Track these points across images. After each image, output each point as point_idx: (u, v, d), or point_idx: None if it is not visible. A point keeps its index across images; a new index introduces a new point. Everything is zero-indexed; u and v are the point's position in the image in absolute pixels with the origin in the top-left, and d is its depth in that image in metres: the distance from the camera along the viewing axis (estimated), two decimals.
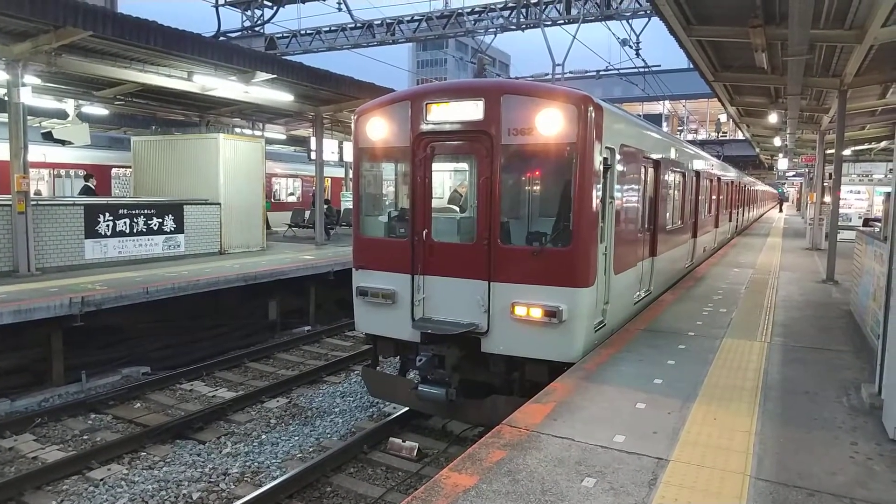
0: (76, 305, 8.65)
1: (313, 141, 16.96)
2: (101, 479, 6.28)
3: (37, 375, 8.82)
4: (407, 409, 7.63)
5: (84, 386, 8.88)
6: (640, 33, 20.80)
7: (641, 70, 22.91)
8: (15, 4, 8.39)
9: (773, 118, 16.82)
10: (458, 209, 8.18)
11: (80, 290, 9.23)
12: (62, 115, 14.89)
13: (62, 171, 18.31)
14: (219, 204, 14.25)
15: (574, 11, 20.13)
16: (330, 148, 18.56)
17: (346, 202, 21.91)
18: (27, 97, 10.24)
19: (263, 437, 7.43)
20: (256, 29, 24.03)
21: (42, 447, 7.07)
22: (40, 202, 11.42)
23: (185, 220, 13.42)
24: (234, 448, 7.10)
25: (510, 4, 21.47)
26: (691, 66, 11.67)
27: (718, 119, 46.35)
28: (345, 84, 14.14)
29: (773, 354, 6.51)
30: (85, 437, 7.40)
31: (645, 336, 7.16)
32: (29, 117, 10.87)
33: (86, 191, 15.52)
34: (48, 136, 14.89)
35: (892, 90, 11.69)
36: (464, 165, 8.35)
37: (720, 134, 46.45)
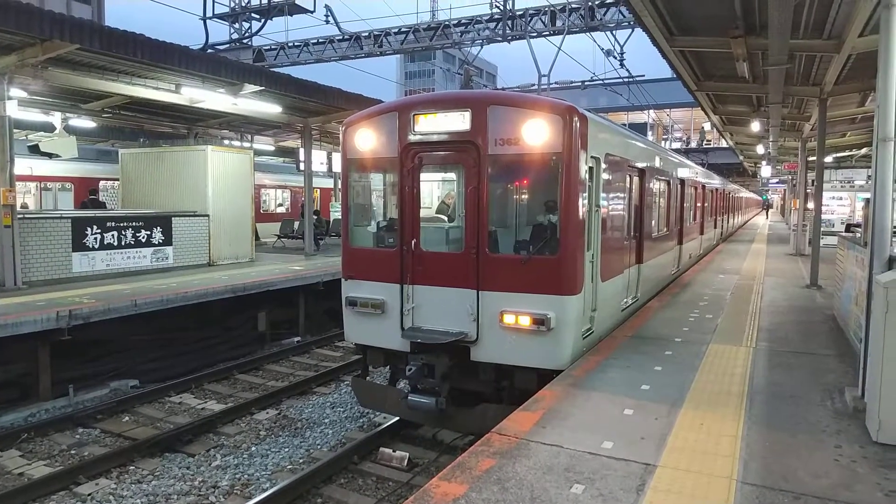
0: (63, 319, 8.58)
1: (302, 152, 16.97)
2: (89, 494, 6.23)
3: (23, 390, 8.72)
4: (397, 418, 7.63)
5: (72, 400, 8.81)
6: (624, 44, 21.08)
7: (626, 80, 23.19)
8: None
9: (755, 126, 17.05)
10: (446, 219, 8.24)
11: (67, 303, 9.16)
12: (49, 127, 14.81)
13: (49, 185, 18.20)
14: (207, 216, 14.20)
15: (559, 23, 20.37)
16: (319, 159, 18.59)
17: (335, 213, 21.91)
18: (13, 110, 10.19)
19: (253, 449, 7.40)
20: (244, 41, 24.08)
21: (28, 463, 7.00)
22: (27, 215, 11.35)
23: (173, 233, 13.36)
24: (223, 461, 7.07)
25: (496, 16, 21.68)
26: (674, 75, 11.84)
27: (702, 127, 46.87)
28: (333, 96, 14.19)
29: (759, 359, 6.59)
30: (72, 452, 7.33)
31: (632, 343, 7.22)
32: (15, 130, 10.82)
33: (93, 203, 15.42)
34: (35, 150, 14.80)
35: (871, 98, 11.90)
36: (451, 175, 8.41)
37: (704, 142, 46.96)
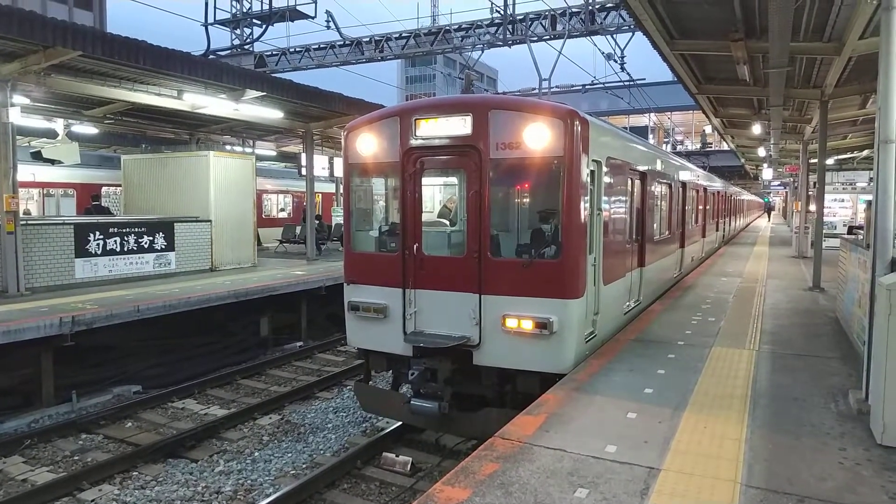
0: (67, 325, 8.59)
1: (303, 157, 17.01)
2: (93, 500, 6.23)
3: (26, 396, 8.73)
4: (400, 423, 7.62)
5: (75, 406, 8.80)
6: (625, 48, 21.15)
7: (627, 83, 23.23)
8: (3, 25, 8.41)
9: (756, 129, 17.07)
10: (447, 223, 8.25)
11: (70, 309, 9.17)
12: (52, 134, 14.87)
13: (52, 191, 18.25)
14: (209, 221, 14.23)
15: (559, 27, 20.43)
16: (320, 164, 18.63)
17: (337, 217, 21.94)
18: (16, 117, 10.25)
19: (256, 454, 7.39)
20: (246, 47, 24.16)
21: (32, 469, 7.00)
22: (30, 222, 11.38)
23: (175, 238, 13.38)
24: (226, 466, 7.06)
25: (497, 21, 21.75)
26: (675, 79, 11.87)
27: (703, 130, 46.92)
28: (334, 101, 14.24)
29: (762, 362, 6.57)
30: (76, 458, 7.33)
31: (635, 346, 7.21)
32: (18, 137, 10.86)
33: (97, 209, 15.49)
34: (38, 156, 14.83)
35: (872, 100, 11.92)
36: (453, 179, 8.42)
37: (705, 145, 47.00)
